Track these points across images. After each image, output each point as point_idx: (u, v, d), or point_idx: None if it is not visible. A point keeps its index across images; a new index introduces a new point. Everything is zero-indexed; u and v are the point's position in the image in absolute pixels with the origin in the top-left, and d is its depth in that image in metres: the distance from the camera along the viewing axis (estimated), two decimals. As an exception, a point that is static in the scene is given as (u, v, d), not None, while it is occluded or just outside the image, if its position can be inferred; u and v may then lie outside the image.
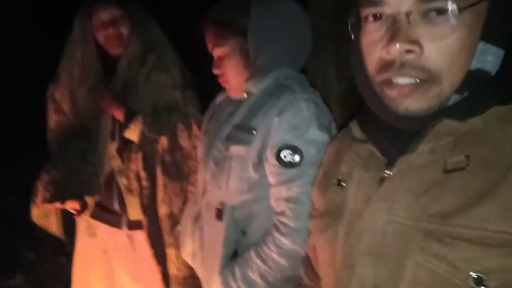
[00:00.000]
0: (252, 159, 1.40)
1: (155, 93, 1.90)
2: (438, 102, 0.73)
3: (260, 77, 1.44)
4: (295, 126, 1.35)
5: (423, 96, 0.73)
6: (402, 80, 0.73)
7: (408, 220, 0.73)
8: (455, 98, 0.74)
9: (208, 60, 1.55)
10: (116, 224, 1.99)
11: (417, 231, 0.72)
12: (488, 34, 0.72)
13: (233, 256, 1.45)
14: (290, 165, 1.33)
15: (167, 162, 1.89)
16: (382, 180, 0.79)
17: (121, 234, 2.00)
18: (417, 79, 0.72)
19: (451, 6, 0.68)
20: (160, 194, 1.90)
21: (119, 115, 1.86)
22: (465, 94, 0.74)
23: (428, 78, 0.72)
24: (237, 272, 1.40)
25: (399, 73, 0.72)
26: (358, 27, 0.80)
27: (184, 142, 1.91)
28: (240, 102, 1.51)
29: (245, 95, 1.49)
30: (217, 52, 1.48)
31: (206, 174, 1.53)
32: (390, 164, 0.79)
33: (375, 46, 0.75)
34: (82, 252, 2.07)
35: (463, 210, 0.68)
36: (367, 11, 0.75)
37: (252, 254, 1.39)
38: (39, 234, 2.07)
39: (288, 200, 1.34)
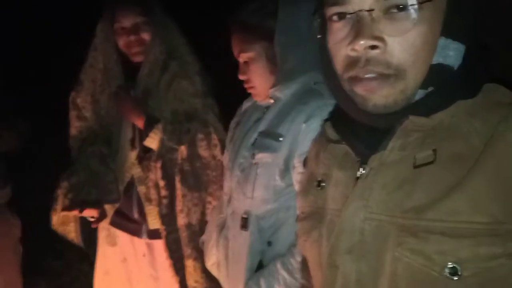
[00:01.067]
0: (279, 166, 1.36)
1: (176, 100, 1.88)
2: (404, 97, 0.75)
3: (287, 82, 1.40)
4: None
5: (388, 91, 0.74)
6: (367, 75, 0.74)
7: (384, 216, 0.75)
8: (420, 94, 0.76)
9: (228, 67, 1.52)
10: (136, 233, 1.97)
11: (393, 226, 0.73)
12: (449, 29, 0.74)
13: (258, 267, 1.40)
14: None
15: (186, 172, 1.86)
16: (357, 179, 0.81)
17: (141, 242, 1.98)
18: (382, 73, 0.73)
19: (410, 1, 0.70)
20: (179, 204, 1.86)
21: (139, 122, 1.84)
22: (430, 89, 0.75)
23: (392, 74, 0.73)
24: (263, 284, 1.36)
25: (364, 69, 0.74)
26: (324, 27, 0.82)
27: (203, 151, 1.87)
28: (267, 108, 1.48)
29: (271, 101, 1.46)
30: (243, 58, 1.45)
31: (232, 182, 1.50)
32: (363, 163, 0.80)
33: (341, 45, 0.76)
34: (103, 260, 2.05)
35: (434, 204, 0.69)
36: (331, 11, 0.77)
37: (278, 265, 1.35)
38: (64, 242, 2.06)
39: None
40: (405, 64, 0.73)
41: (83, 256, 3.04)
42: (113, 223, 1.98)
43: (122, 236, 2.00)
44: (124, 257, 2.01)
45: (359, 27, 0.73)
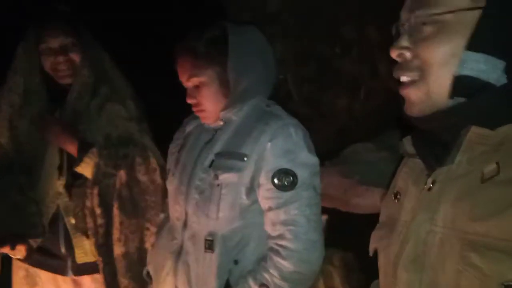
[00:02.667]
0: (245, 185, 1.39)
1: (109, 125, 1.80)
2: (430, 102, 0.84)
3: (240, 104, 1.46)
4: (287, 150, 1.38)
5: (415, 95, 0.85)
6: (402, 78, 0.87)
7: (448, 230, 0.77)
8: (451, 102, 0.82)
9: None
10: (61, 271, 1.81)
11: (457, 240, 0.75)
12: (476, 43, 0.79)
13: (225, 287, 1.40)
14: (285, 188, 1.35)
15: (124, 198, 1.78)
16: (427, 191, 0.84)
17: (66, 280, 1.82)
18: (410, 78, 0.85)
19: (432, 14, 0.82)
20: (116, 232, 1.77)
21: (71, 147, 1.73)
22: (462, 99, 0.81)
23: (417, 77, 0.84)
24: None
25: (399, 72, 0.87)
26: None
27: (142, 176, 1.81)
28: (215, 130, 1.51)
29: (221, 122, 1.49)
30: (193, 82, 1.47)
31: (187, 205, 1.47)
32: (430, 176, 0.84)
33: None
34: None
35: (498, 221, 0.71)
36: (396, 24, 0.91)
37: (251, 282, 1.36)
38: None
39: (286, 223, 1.35)
40: (427, 67, 0.83)
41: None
42: (34, 263, 1.79)
43: (43, 275, 1.82)
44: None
45: (395, 38, 0.89)
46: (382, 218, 1.02)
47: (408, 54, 0.85)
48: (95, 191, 1.74)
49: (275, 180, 1.36)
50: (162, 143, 1.79)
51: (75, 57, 1.77)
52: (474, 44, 0.79)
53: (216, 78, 1.45)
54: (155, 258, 1.63)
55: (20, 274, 1.82)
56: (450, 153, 0.80)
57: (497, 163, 0.74)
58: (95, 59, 1.82)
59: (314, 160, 1.41)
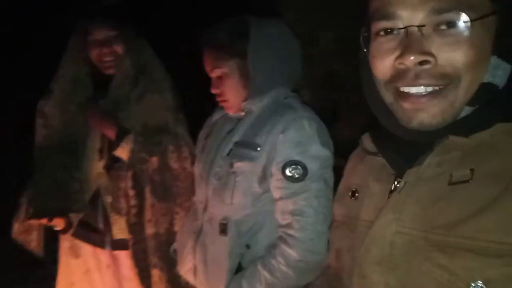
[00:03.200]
0: (257, 174, 1.47)
1: (146, 113, 1.92)
2: (452, 112, 0.77)
3: (259, 96, 1.52)
4: (299, 142, 1.43)
5: (438, 106, 0.76)
6: (415, 90, 0.77)
7: (415, 231, 0.76)
8: (466, 110, 0.78)
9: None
10: (100, 244, 1.97)
11: (423, 241, 0.75)
12: (500, 48, 0.76)
13: (238, 270, 1.49)
14: (295, 179, 1.41)
15: (156, 182, 1.90)
16: (391, 192, 0.83)
17: (105, 254, 1.98)
18: (434, 87, 0.76)
19: (462, 18, 0.73)
20: (148, 214, 1.90)
21: (110, 132, 1.87)
22: (476, 107, 0.78)
23: (446, 83, 0.76)
24: (245, 285, 1.44)
25: (414, 82, 0.76)
26: (368, 41, 0.84)
27: (173, 163, 1.93)
28: (238, 119, 1.59)
29: (242, 113, 1.57)
30: (216, 73, 1.55)
31: (208, 190, 1.57)
32: (399, 176, 0.82)
33: (386, 57, 0.79)
34: (67, 272, 2.03)
35: (466, 222, 0.71)
36: (379, 25, 0.79)
37: (259, 266, 1.43)
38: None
39: (294, 213, 1.41)
40: (459, 73, 0.75)
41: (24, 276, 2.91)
42: (76, 234, 1.97)
43: (86, 248, 1.99)
44: (87, 269, 2.00)
45: (408, 42, 0.75)
46: (338, 216, 1.00)
47: (433, 61, 0.75)
48: (129, 174, 1.87)
49: (286, 171, 1.42)
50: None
51: (118, 49, 1.90)
52: (498, 49, 0.76)
53: (237, 69, 1.53)
54: (180, 237, 1.77)
55: (65, 245, 2.01)
56: (420, 155, 0.79)
57: (471, 169, 0.73)
58: (138, 51, 1.94)
59: (326, 153, 1.45)
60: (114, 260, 1.98)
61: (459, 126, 0.77)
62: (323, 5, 2.77)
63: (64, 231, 1.86)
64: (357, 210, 0.90)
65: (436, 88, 0.76)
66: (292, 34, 1.57)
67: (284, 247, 1.41)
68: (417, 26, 0.75)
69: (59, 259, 2.03)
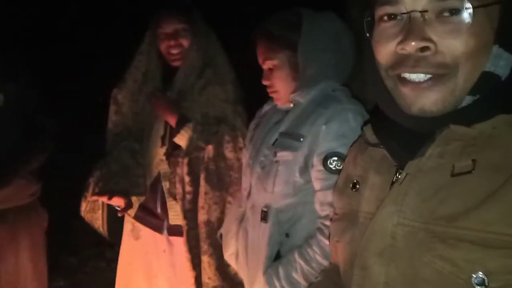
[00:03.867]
0: (298, 164, 1.47)
1: (207, 104, 2.00)
2: (453, 100, 0.76)
3: (308, 88, 1.53)
4: (342, 134, 1.42)
5: (438, 93, 0.75)
6: (415, 77, 0.76)
7: (417, 222, 0.76)
8: (467, 100, 0.77)
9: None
10: (157, 229, 2.06)
11: (425, 233, 0.74)
12: (501, 38, 0.75)
13: (276, 257, 1.50)
14: (336, 171, 1.40)
15: (211, 171, 1.96)
16: (393, 183, 0.82)
17: (162, 238, 2.07)
18: (433, 74, 0.75)
19: (464, 5, 0.72)
20: (201, 201, 1.96)
21: (172, 120, 1.96)
22: (477, 96, 0.76)
23: (444, 73, 0.74)
24: (281, 272, 1.45)
25: (413, 69, 0.75)
26: (372, 26, 0.83)
27: (228, 153, 1.97)
28: (286, 111, 1.60)
29: (291, 105, 1.58)
30: (267, 65, 1.58)
31: (252, 178, 1.61)
32: (400, 168, 0.81)
33: (388, 42, 0.78)
34: (127, 252, 2.15)
35: (467, 213, 0.70)
36: (383, 10, 0.78)
37: (296, 255, 1.44)
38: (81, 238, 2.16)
39: (332, 204, 1.38)
40: (457, 62, 0.73)
41: (100, 253, 3.13)
42: (137, 218, 2.08)
43: (145, 231, 2.09)
44: (146, 251, 2.10)
45: (410, 28, 0.74)
46: (338, 209, 0.99)
47: (433, 47, 0.73)
48: (186, 161, 1.95)
49: (326, 163, 1.42)
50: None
51: (185, 42, 1.98)
52: (500, 39, 0.75)
53: (287, 61, 1.54)
54: (226, 223, 1.81)
55: (128, 227, 2.13)
56: (421, 146, 0.78)
57: (473, 160, 0.72)
58: (204, 44, 2.02)
59: None
60: (170, 245, 2.06)
61: (460, 116, 0.76)
62: None
63: (124, 210, 1.96)
64: (358, 202, 0.89)
65: (436, 75, 0.75)
66: (345, 28, 1.57)
67: (321, 237, 1.40)
68: (420, 12, 0.74)
69: (122, 239, 2.15)
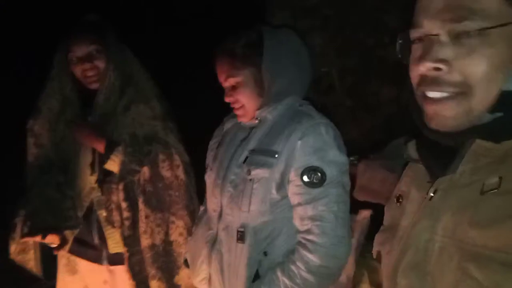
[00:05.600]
0: (275, 180, 1.47)
1: (134, 124, 1.92)
2: (467, 119, 0.79)
3: (274, 103, 1.54)
4: (317, 148, 1.44)
5: (453, 110, 0.78)
6: (432, 94, 0.81)
7: (448, 239, 0.78)
8: (488, 117, 0.79)
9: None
10: (97, 260, 1.96)
11: (456, 250, 0.76)
12: None
13: (255, 278, 1.48)
14: (314, 185, 1.42)
15: (149, 193, 1.90)
16: (429, 199, 0.84)
17: (102, 269, 1.97)
18: (448, 93, 0.79)
19: (476, 27, 0.75)
20: (142, 225, 1.89)
21: (99, 146, 1.87)
22: (498, 114, 0.78)
23: (458, 92, 0.78)
24: None
25: (430, 87, 0.81)
26: (403, 48, 0.88)
27: (165, 172, 1.92)
28: (251, 128, 1.59)
29: (255, 121, 1.57)
30: (230, 82, 1.56)
31: (223, 198, 1.57)
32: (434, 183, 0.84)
33: (415, 63, 0.83)
34: (64, 289, 2.02)
35: (496, 232, 0.71)
36: (412, 34, 0.85)
37: (278, 273, 1.43)
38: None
39: (313, 218, 1.41)
40: (471, 82, 0.76)
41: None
42: (72, 251, 1.96)
43: (82, 264, 1.98)
44: (85, 285, 1.99)
45: (425, 49, 0.80)
46: (386, 221, 1.02)
47: (446, 68, 0.78)
48: (120, 186, 1.86)
49: (304, 177, 1.43)
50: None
51: (100, 63, 1.88)
52: None
53: (251, 78, 1.54)
54: (193, 247, 1.76)
55: (62, 262, 2.00)
56: (454, 162, 0.80)
57: (500, 177, 0.74)
58: (121, 62, 1.93)
59: (343, 159, 1.47)
60: (112, 275, 1.97)
61: (486, 131, 0.78)
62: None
63: (59, 247, 1.85)
64: (400, 216, 0.92)
65: (451, 94, 0.78)
66: (303, 44, 1.60)
67: (304, 252, 1.41)
68: (432, 35, 0.79)
69: (57, 276, 2.02)
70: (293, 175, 1.45)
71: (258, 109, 1.56)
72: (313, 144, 1.45)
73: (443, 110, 0.80)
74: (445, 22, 0.78)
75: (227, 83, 1.58)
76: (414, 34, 0.84)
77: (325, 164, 1.43)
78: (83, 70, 1.88)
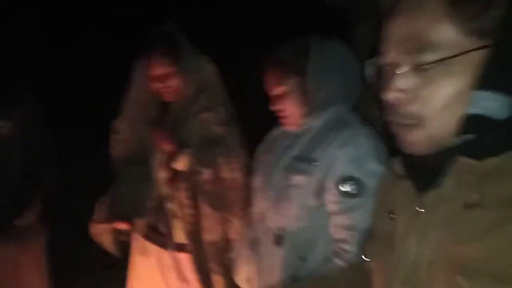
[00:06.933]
0: (312, 188, 1.52)
1: (202, 127, 2.09)
2: (434, 143, 0.80)
3: (319, 112, 1.58)
4: (356, 158, 1.47)
5: (415, 137, 0.81)
6: (397, 121, 0.83)
7: (435, 252, 0.79)
8: (458, 139, 0.79)
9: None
10: (163, 245, 2.17)
11: (443, 263, 0.77)
12: (485, 82, 0.76)
13: (292, 281, 1.53)
14: (351, 195, 1.45)
15: (209, 193, 2.06)
16: (417, 214, 0.85)
17: (169, 255, 2.17)
18: (406, 122, 0.81)
19: (435, 57, 0.76)
20: (204, 222, 2.06)
21: (169, 148, 2.07)
22: (470, 136, 0.78)
23: (414, 123, 0.80)
24: None
25: (393, 116, 0.83)
26: (378, 73, 0.90)
27: (226, 174, 2.07)
28: (297, 135, 1.64)
29: (301, 129, 1.63)
30: (277, 91, 1.62)
31: (265, 202, 1.65)
32: (420, 199, 0.85)
33: (383, 89, 0.85)
34: (136, 268, 2.26)
35: (480, 244, 0.72)
36: (380, 60, 0.86)
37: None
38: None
39: (349, 228, 1.44)
40: (426, 114, 0.78)
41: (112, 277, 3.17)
42: (144, 236, 2.20)
43: (152, 248, 2.20)
44: (153, 267, 2.21)
45: (388, 78, 0.82)
46: (375, 232, 1.03)
47: (406, 98, 0.79)
48: (184, 185, 2.05)
49: (342, 187, 1.46)
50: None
51: (174, 82, 2.07)
52: (482, 83, 0.77)
53: (297, 87, 1.59)
54: (238, 247, 1.88)
55: (136, 245, 2.25)
56: (438, 179, 0.81)
57: (482, 193, 0.74)
58: (196, 75, 2.10)
59: (382, 169, 1.42)
60: (176, 261, 2.16)
61: (467, 150, 0.78)
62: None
63: (128, 234, 2.09)
64: (392, 230, 0.93)
65: (408, 123, 0.81)
66: (351, 55, 1.62)
67: (339, 262, 1.44)
68: (390, 65, 0.81)
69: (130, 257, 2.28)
70: (331, 184, 1.47)
71: (304, 117, 1.60)
72: (353, 154, 1.46)
73: (407, 136, 0.82)
74: (406, 53, 0.79)
75: (274, 92, 1.63)
76: (381, 60, 0.85)
77: (364, 175, 1.44)
78: (157, 88, 2.09)
